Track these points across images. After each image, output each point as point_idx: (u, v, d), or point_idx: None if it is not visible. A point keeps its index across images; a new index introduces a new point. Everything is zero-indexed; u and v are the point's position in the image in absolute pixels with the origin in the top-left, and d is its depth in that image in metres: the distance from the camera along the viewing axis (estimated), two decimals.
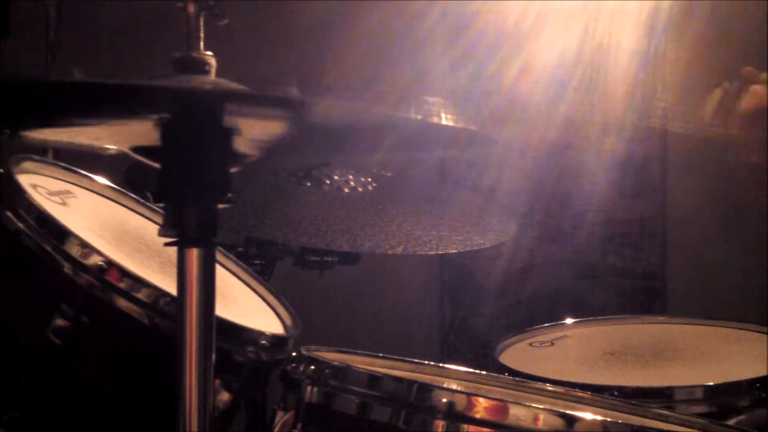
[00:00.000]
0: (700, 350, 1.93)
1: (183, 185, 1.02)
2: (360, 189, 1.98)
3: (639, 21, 2.93)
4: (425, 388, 1.16)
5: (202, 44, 1.13)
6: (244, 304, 1.67)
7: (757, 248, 2.82)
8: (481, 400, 1.14)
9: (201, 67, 1.09)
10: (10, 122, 1.02)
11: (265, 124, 0.99)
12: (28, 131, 1.11)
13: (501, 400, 1.14)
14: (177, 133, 0.98)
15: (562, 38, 2.97)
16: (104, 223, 1.62)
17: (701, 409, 1.64)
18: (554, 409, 1.13)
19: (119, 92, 0.86)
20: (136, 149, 1.05)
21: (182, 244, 1.03)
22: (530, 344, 2.01)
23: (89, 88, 0.87)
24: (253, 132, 1.03)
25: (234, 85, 1.01)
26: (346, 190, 1.96)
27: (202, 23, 1.14)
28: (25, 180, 1.52)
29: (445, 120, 0.95)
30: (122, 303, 1.38)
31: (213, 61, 1.10)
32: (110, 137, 1.13)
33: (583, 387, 1.60)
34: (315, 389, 1.25)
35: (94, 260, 1.38)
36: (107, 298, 1.38)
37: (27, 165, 1.59)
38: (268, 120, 0.97)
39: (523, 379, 1.60)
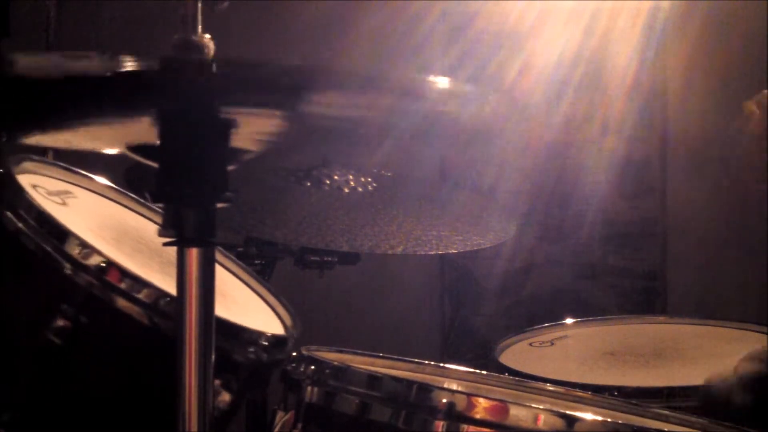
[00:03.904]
0: (700, 350, 1.93)
1: (181, 185, 1.02)
2: (360, 189, 1.98)
3: (639, 21, 2.94)
4: (425, 388, 1.16)
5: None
6: (244, 304, 1.67)
7: (757, 248, 2.82)
8: (481, 400, 1.14)
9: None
10: (5, 126, 1.02)
11: (263, 115, 0.99)
12: (24, 136, 1.10)
13: (501, 401, 1.14)
14: (174, 129, 0.98)
15: (562, 38, 2.98)
16: (104, 223, 1.62)
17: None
18: (554, 409, 1.13)
19: (114, 84, 0.86)
20: (134, 148, 1.05)
21: (181, 244, 1.03)
22: (530, 344, 2.01)
23: (84, 81, 0.86)
24: (252, 126, 1.03)
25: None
26: (346, 190, 1.96)
27: (200, 23, 1.14)
28: (25, 180, 1.52)
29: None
30: (122, 303, 1.37)
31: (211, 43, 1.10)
32: (107, 137, 1.13)
33: (583, 387, 1.60)
34: (315, 389, 1.25)
35: (94, 260, 1.38)
36: (107, 298, 1.38)
37: (27, 165, 1.59)
38: (266, 110, 0.96)
39: (523, 379, 1.60)
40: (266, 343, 1.47)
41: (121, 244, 1.56)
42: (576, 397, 1.49)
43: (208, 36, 1.11)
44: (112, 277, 1.38)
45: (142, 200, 1.76)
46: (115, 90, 0.88)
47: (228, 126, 0.99)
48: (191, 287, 1.03)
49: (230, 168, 1.04)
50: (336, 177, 1.98)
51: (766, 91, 1.78)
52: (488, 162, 3.13)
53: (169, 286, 1.37)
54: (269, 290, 1.73)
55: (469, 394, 1.16)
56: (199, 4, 1.13)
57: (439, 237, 1.86)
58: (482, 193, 3.07)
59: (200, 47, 1.10)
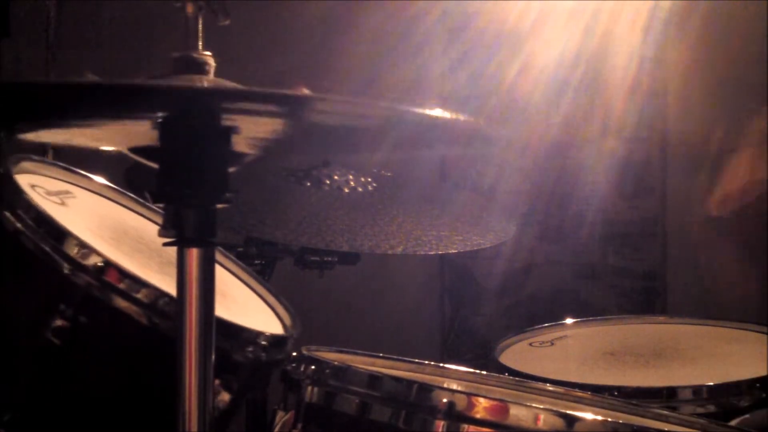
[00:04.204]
0: (700, 350, 1.93)
1: (181, 185, 1.02)
2: (360, 189, 1.98)
3: (639, 21, 2.94)
4: (425, 388, 1.16)
5: (201, 44, 1.13)
6: (244, 304, 1.67)
7: (757, 249, 2.82)
8: (481, 400, 1.13)
9: (200, 68, 1.09)
10: (7, 124, 1.02)
11: (263, 122, 0.99)
12: (25, 133, 1.10)
13: (501, 400, 1.14)
14: (175, 132, 0.98)
15: (562, 38, 2.97)
16: (103, 223, 1.62)
17: (701, 409, 1.64)
18: (554, 409, 1.13)
19: (117, 92, 0.86)
20: (135, 150, 1.05)
21: (181, 244, 1.03)
22: (530, 344, 2.01)
23: (87, 88, 0.86)
24: (252, 131, 1.03)
25: (231, 84, 1.01)
26: (346, 190, 1.96)
27: (200, 23, 1.14)
28: (23, 180, 1.52)
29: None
30: (121, 303, 1.37)
31: (212, 61, 1.10)
32: (108, 138, 1.13)
33: (583, 387, 1.60)
34: (315, 389, 1.25)
35: (93, 260, 1.38)
36: (106, 298, 1.37)
37: (26, 165, 1.58)
38: (266, 118, 0.97)
39: (523, 379, 1.60)
40: (266, 343, 1.47)
41: (121, 244, 1.56)
42: (576, 397, 1.49)
43: (208, 53, 1.11)
44: (111, 277, 1.38)
45: (141, 200, 1.76)
46: (117, 95, 0.88)
47: (228, 129, 0.99)
48: (191, 287, 1.03)
49: (230, 169, 1.05)
50: (336, 177, 1.98)
51: None
52: (488, 162, 3.13)
53: (169, 286, 1.37)
54: (269, 290, 1.73)
55: (469, 394, 1.15)
56: (200, 21, 1.13)
57: (439, 237, 1.86)
58: (482, 193, 3.07)
59: (201, 64, 1.10)
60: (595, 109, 3.04)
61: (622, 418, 1.38)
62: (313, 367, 1.26)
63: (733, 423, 1.57)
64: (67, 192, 1.64)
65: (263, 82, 0.88)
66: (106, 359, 1.41)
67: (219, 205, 1.04)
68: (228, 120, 0.98)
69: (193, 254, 1.03)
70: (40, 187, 1.56)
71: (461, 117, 0.94)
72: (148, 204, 1.75)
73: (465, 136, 1.09)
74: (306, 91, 0.89)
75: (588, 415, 1.13)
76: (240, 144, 1.04)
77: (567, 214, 3.11)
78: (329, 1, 3.09)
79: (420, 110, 0.91)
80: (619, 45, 2.96)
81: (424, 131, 1.02)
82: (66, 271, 1.38)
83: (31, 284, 1.44)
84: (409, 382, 1.18)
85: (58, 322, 1.36)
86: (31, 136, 1.15)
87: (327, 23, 3.08)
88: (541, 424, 1.11)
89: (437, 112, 0.92)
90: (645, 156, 3.06)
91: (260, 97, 0.89)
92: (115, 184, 1.76)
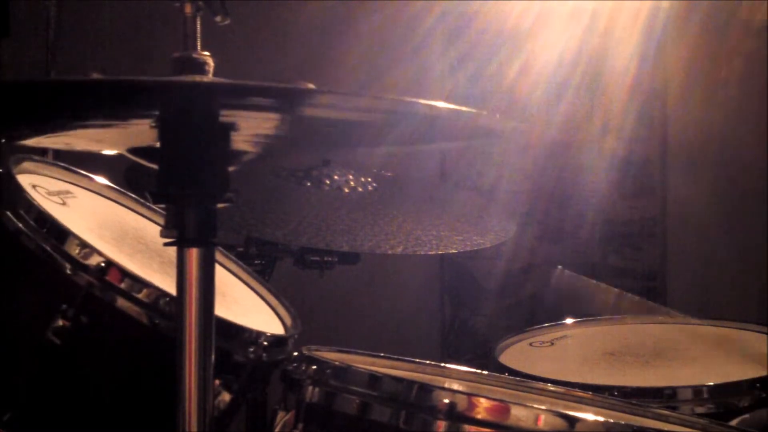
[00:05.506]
0: (701, 350, 1.93)
1: (181, 186, 1.02)
2: (360, 189, 1.98)
3: (639, 21, 2.94)
4: (426, 389, 1.16)
5: (199, 44, 1.13)
6: (244, 304, 1.67)
7: (758, 248, 2.82)
8: (482, 400, 1.13)
9: (199, 68, 1.09)
10: (6, 128, 1.02)
11: (262, 118, 0.99)
12: (26, 138, 1.11)
13: (502, 401, 1.14)
14: (174, 131, 0.98)
15: (562, 38, 2.97)
16: (104, 223, 1.62)
17: (701, 409, 1.64)
18: (555, 409, 1.13)
19: (115, 89, 0.86)
20: (134, 151, 1.05)
21: (182, 244, 1.03)
22: (530, 344, 2.01)
23: (85, 86, 0.86)
24: (252, 128, 1.03)
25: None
26: (346, 190, 1.96)
27: (199, 24, 1.14)
28: (25, 180, 1.52)
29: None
30: (122, 303, 1.37)
31: (211, 62, 1.10)
32: (108, 140, 1.13)
33: (583, 387, 1.60)
34: (315, 389, 1.25)
35: (94, 260, 1.38)
36: (107, 298, 1.38)
37: (27, 165, 1.59)
38: (264, 113, 0.97)
39: (524, 379, 1.60)
40: (266, 343, 1.47)
41: (121, 244, 1.56)
42: (576, 397, 1.49)
43: (207, 53, 1.11)
44: (112, 277, 1.38)
45: (142, 200, 1.76)
46: (117, 94, 0.88)
47: (228, 126, 0.99)
48: (191, 287, 1.03)
49: (231, 169, 1.05)
50: (336, 177, 1.98)
51: None
52: (488, 162, 3.13)
53: (169, 286, 1.37)
54: (269, 290, 1.73)
55: (469, 395, 1.15)
56: (199, 22, 1.13)
57: (439, 237, 1.86)
58: (482, 193, 3.06)
59: (201, 64, 1.10)
60: (595, 109, 3.04)
61: (623, 418, 1.38)
62: (313, 367, 1.26)
63: (732, 423, 1.57)
64: (68, 192, 1.64)
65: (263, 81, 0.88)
66: (106, 359, 1.41)
67: (219, 205, 1.04)
68: (227, 116, 0.97)
69: (193, 254, 1.03)
70: (41, 187, 1.56)
71: (463, 108, 0.94)
72: (148, 204, 1.76)
73: (467, 129, 1.09)
74: (310, 86, 0.89)
75: (588, 416, 1.13)
76: (240, 142, 1.04)
77: (567, 214, 3.11)
78: (329, 1, 3.09)
79: (422, 102, 0.91)
80: (619, 45, 2.96)
81: (427, 124, 1.02)
82: (67, 271, 1.38)
83: (32, 284, 1.44)
84: (410, 383, 1.18)
85: (59, 322, 1.36)
86: (32, 142, 1.15)
87: (327, 23, 3.08)
88: (541, 424, 1.11)
89: (439, 104, 0.92)
90: (645, 156, 3.06)
91: (258, 92, 0.89)
92: (115, 184, 1.76)
